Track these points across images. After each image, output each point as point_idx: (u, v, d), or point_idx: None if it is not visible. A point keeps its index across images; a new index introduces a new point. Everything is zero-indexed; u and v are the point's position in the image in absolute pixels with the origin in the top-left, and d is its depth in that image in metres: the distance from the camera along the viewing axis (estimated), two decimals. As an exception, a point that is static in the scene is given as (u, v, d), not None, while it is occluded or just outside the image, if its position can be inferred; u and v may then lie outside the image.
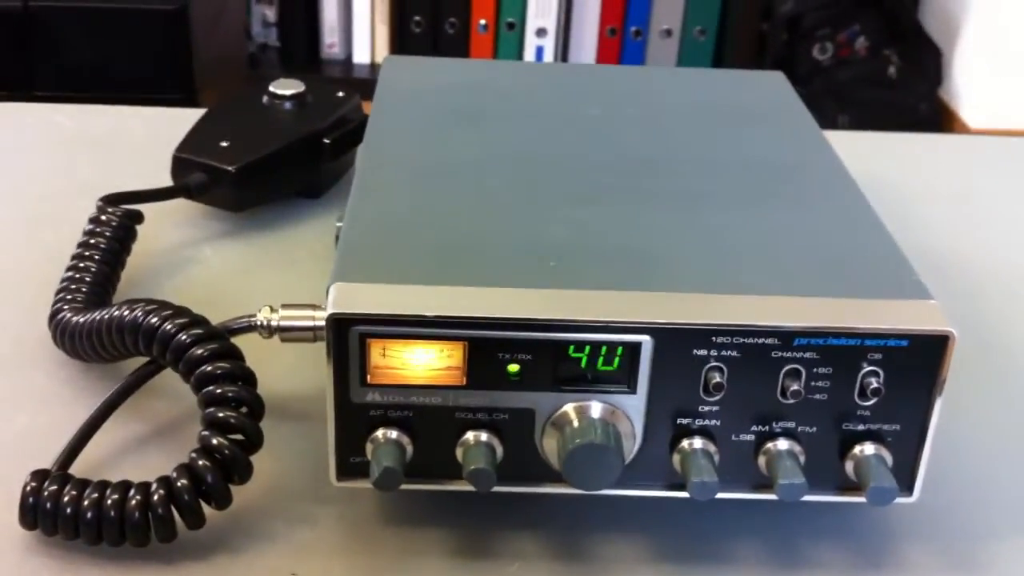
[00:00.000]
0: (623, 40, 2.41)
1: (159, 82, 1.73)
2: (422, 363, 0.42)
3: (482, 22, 2.37)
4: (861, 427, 0.44)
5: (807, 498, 0.43)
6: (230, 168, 0.64)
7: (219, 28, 1.95)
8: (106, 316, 0.48)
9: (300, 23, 2.41)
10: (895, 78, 2.43)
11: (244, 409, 0.45)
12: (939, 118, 2.43)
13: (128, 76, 1.72)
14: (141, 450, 0.49)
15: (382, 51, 2.41)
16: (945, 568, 0.46)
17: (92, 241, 0.56)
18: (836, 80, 2.40)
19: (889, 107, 2.39)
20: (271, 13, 2.43)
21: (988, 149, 0.85)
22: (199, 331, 0.46)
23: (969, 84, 2.39)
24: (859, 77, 2.42)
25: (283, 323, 0.46)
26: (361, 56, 2.44)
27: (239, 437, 0.44)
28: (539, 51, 2.38)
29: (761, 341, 0.42)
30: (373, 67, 2.42)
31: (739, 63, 2.37)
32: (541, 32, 2.38)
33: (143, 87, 1.69)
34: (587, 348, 0.42)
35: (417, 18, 2.37)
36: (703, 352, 0.42)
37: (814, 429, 0.44)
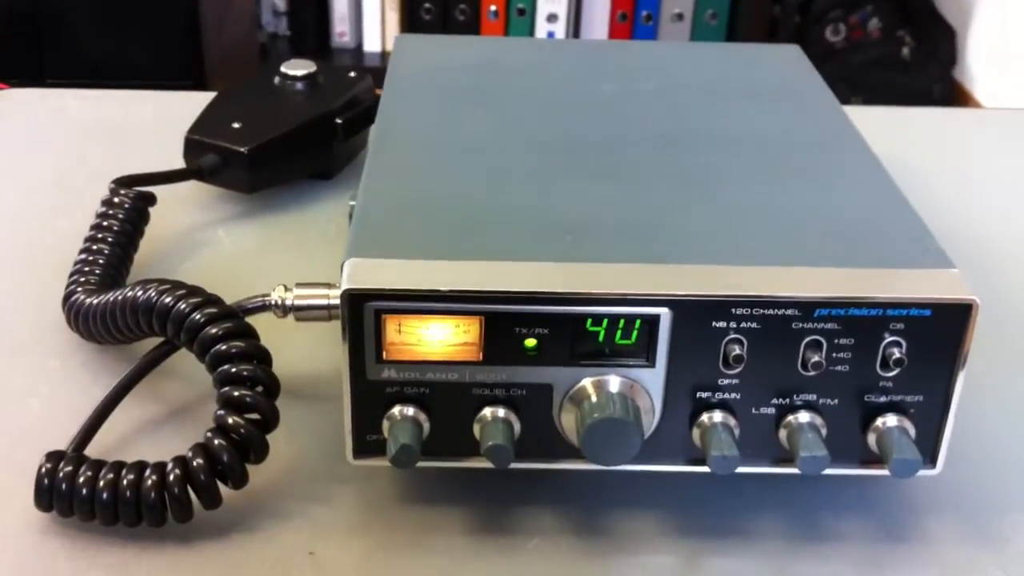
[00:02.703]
0: (634, 25, 2.40)
1: (169, 72, 1.73)
2: (438, 339, 0.42)
3: (492, 8, 2.36)
4: (883, 399, 0.43)
5: (829, 471, 0.43)
6: (242, 149, 0.63)
7: (229, 18, 1.95)
8: (120, 297, 0.48)
9: (310, 12, 2.41)
10: (908, 60, 2.41)
11: (260, 388, 0.45)
12: (953, 99, 2.41)
13: (138, 66, 1.72)
14: (156, 431, 0.49)
15: (393, 39, 2.40)
16: (968, 541, 0.45)
17: (105, 223, 0.56)
18: (849, 63, 2.39)
19: (903, 89, 2.38)
20: (281, 2, 2.43)
21: (1004, 123, 0.84)
22: (213, 310, 0.45)
23: (983, 64, 2.37)
24: (872, 59, 2.40)
25: (297, 302, 0.46)
26: (372, 44, 2.43)
27: (255, 416, 0.44)
28: (550, 36, 2.37)
29: (781, 312, 0.42)
30: (384, 55, 2.41)
31: (751, 46, 2.36)
32: (552, 18, 2.37)
33: (153, 77, 1.69)
34: (604, 322, 0.42)
35: (427, 5, 2.37)
36: (722, 324, 0.42)
37: (835, 401, 0.43)
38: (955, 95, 2.42)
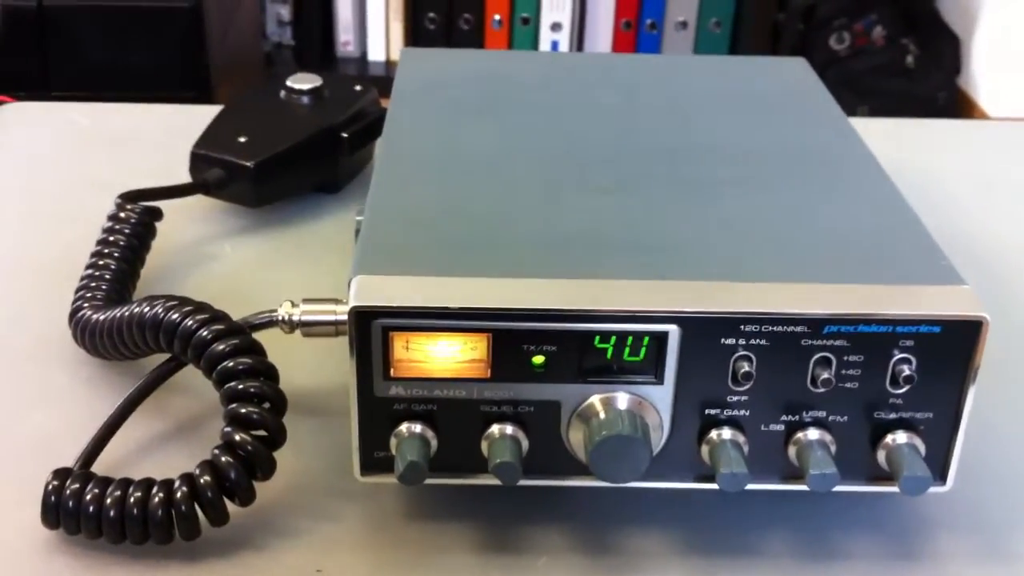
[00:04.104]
0: (638, 33, 2.40)
1: (174, 81, 1.73)
2: (446, 356, 0.42)
3: (496, 17, 2.36)
4: (893, 415, 0.43)
5: (838, 488, 0.43)
6: (248, 164, 0.63)
7: (234, 27, 1.95)
8: (126, 313, 0.48)
9: (315, 21, 2.41)
10: (913, 67, 2.41)
11: (267, 405, 0.44)
12: (958, 107, 2.41)
13: (143, 75, 1.72)
14: (163, 447, 0.49)
15: (397, 48, 2.40)
16: (979, 558, 0.45)
17: (111, 238, 0.56)
18: (853, 70, 2.39)
19: (907, 96, 2.38)
20: (286, 12, 2.43)
21: (1010, 135, 0.84)
22: (220, 327, 0.45)
23: (988, 72, 2.37)
24: (876, 67, 2.40)
25: (304, 318, 0.46)
26: (376, 54, 2.44)
27: (262, 433, 0.44)
28: (554, 45, 2.37)
29: (790, 329, 0.41)
30: (388, 64, 2.42)
31: (755, 54, 2.35)
32: (556, 26, 2.37)
33: (158, 86, 1.69)
34: (613, 338, 0.42)
35: (431, 15, 2.37)
36: (731, 341, 0.42)
37: (845, 418, 0.43)
38: (959, 103, 2.42)
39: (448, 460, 0.43)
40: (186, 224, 0.64)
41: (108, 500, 0.43)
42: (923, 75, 2.40)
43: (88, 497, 0.43)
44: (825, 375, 0.42)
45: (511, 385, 0.42)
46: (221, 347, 0.45)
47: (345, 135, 0.67)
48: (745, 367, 0.42)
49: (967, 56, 2.42)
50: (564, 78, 0.62)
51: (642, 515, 0.46)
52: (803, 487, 0.43)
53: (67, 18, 1.70)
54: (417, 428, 0.43)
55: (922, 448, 0.43)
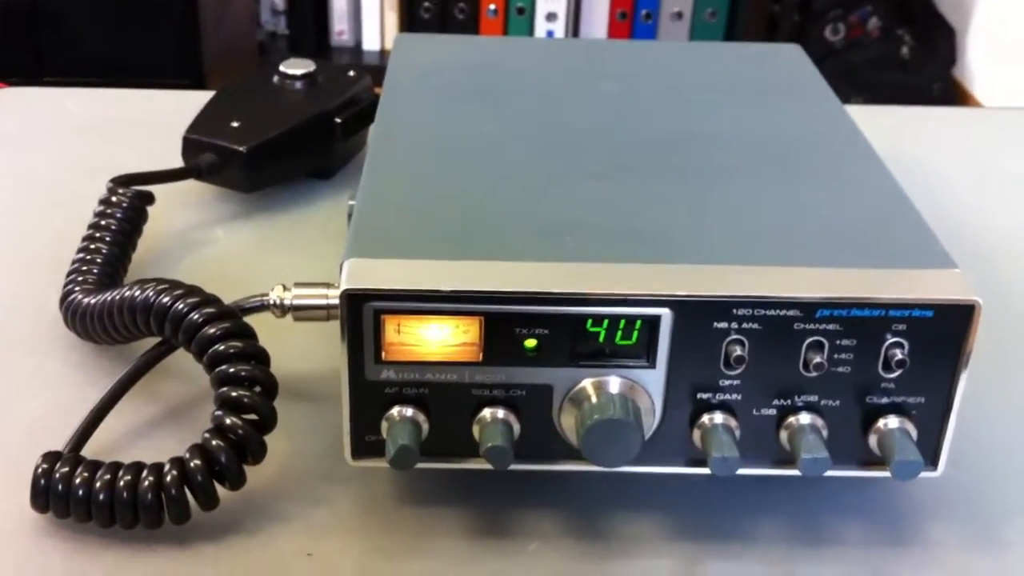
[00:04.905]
0: (633, 23, 2.40)
1: (167, 70, 1.73)
2: (437, 339, 0.42)
3: (492, 7, 2.36)
4: (885, 400, 0.43)
5: (830, 473, 0.42)
6: (241, 149, 0.63)
7: (228, 16, 1.95)
8: (117, 297, 0.47)
9: (309, 11, 2.40)
10: (908, 59, 2.41)
11: (257, 388, 0.44)
12: (953, 98, 2.41)
13: (136, 64, 1.72)
14: (154, 431, 0.49)
15: (391, 38, 2.40)
16: (970, 545, 0.45)
17: (103, 222, 0.56)
18: (849, 62, 2.39)
19: (903, 88, 2.38)
20: (280, 1, 2.42)
21: (1006, 123, 0.84)
22: (211, 310, 0.45)
23: (983, 63, 2.37)
24: (872, 58, 2.40)
25: (296, 301, 0.46)
26: (371, 43, 2.43)
27: (253, 417, 0.44)
28: (549, 35, 2.37)
29: (783, 313, 0.41)
30: (383, 54, 2.41)
31: (751, 45, 2.35)
32: (551, 16, 2.37)
33: (151, 75, 1.68)
34: (605, 322, 0.42)
35: (426, 3, 2.37)
36: (723, 325, 0.41)
37: (837, 402, 0.43)
38: (955, 94, 2.42)
39: (440, 444, 0.43)
40: (178, 209, 0.64)
41: (98, 484, 0.43)
42: (919, 66, 2.40)
43: (77, 480, 0.43)
44: (817, 359, 0.42)
45: (503, 369, 0.42)
46: (212, 330, 0.45)
47: (338, 120, 0.66)
48: (737, 351, 0.42)
49: (962, 47, 2.42)
50: (559, 64, 0.62)
51: (633, 500, 0.46)
52: (795, 472, 0.43)
53: (61, 5, 1.69)
54: (408, 412, 0.43)
55: (914, 433, 0.43)
